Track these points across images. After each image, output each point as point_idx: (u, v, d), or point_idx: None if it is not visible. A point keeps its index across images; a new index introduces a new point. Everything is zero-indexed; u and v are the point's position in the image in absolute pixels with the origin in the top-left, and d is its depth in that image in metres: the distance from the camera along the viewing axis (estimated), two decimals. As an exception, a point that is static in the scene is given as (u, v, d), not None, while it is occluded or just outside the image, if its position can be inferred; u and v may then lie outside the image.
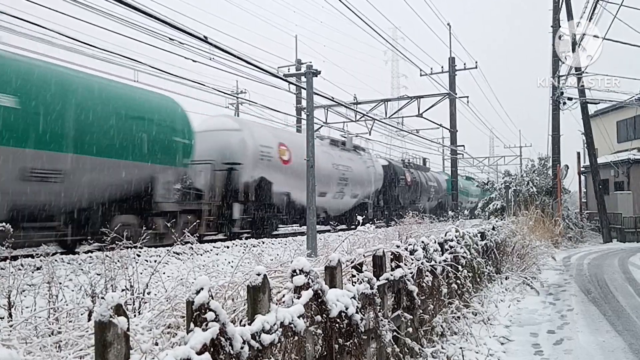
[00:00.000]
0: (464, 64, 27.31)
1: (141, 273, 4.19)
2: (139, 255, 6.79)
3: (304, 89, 13.32)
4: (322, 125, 24.69)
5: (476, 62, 27.10)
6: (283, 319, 2.49)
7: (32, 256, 5.37)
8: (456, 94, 26.69)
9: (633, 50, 19.49)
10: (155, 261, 7.93)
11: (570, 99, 22.34)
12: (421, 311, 4.81)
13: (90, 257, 8.64)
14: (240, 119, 15.94)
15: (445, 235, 6.80)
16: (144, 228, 7.28)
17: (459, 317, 5.73)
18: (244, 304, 2.73)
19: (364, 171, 23.33)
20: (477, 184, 46.66)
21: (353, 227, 19.57)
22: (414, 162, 32.20)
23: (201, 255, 10.90)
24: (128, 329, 1.85)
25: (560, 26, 21.97)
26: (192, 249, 9.76)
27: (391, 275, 4.19)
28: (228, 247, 11.95)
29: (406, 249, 4.80)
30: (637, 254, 16.28)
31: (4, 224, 3.93)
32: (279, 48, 28.76)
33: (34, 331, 2.71)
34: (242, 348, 2.18)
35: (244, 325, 2.38)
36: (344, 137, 23.83)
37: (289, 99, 68.93)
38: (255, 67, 11.46)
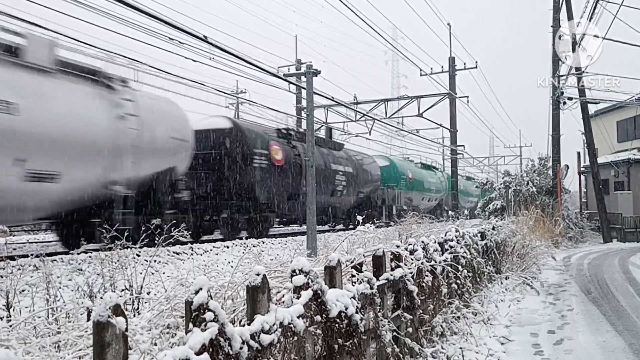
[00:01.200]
0: (464, 63, 27.30)
1: (140, 273, 4.18)
2: (138, 255, 6.78)
3: (304, 88, 13.32)
4: (322, 125, 24.67)
5: (476, 62, 27.09)
6: (282, 319, 2.48)
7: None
8: (456, 94, 26.68)
9: (633, 50, 19.51)
10: (155, 261, 7.93)
11: (570, 98, 22.33)
12: (421, 311, 4.81)
13: (90, 257, 8.65)
14: None
15: (445, 235, 6.80)
16: None
17: (459, 317, 5.73)
18: (244, 304, 2.72)
19: (102, 127, 10.46)
20: (440, 176, 36.25)
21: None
22: (302, 132, 18.41)
23: (201, 255, 10.95)
24: (126, 329, 1.84)
25: (560, 26, 21.96)
26: (192, 248, 9.71)
27: (391, 275, 4.19)
28: (228, 247, 12.04)
29: (406, 249, 4.79)
30: (638, 253, 16.27)
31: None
32: (278, 48, 28.77)
33: (33, 331, 2.70)
34: (241, 348, 2.17)
35: (244, 326, 2.37)
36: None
37: (289, 98, 68.99)
38: (255, 66, 11.48)
